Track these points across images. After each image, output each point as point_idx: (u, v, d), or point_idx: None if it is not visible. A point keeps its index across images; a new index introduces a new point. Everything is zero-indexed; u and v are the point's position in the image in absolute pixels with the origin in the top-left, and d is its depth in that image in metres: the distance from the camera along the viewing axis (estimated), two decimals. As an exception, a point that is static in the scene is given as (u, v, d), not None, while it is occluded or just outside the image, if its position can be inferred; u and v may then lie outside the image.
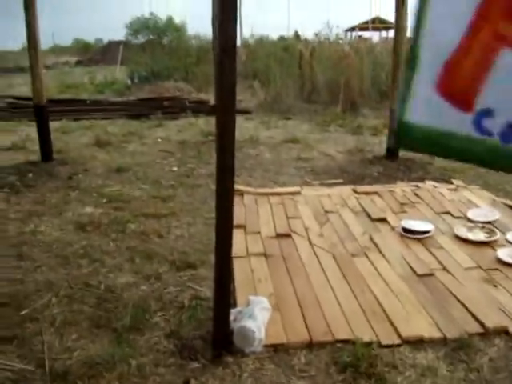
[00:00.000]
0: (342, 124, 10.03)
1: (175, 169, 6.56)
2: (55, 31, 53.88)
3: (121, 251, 4.12)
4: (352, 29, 60.32)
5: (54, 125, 10.11)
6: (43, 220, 4.86)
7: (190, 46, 16.42)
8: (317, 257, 3.92)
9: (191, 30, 21.97)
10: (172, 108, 11.20)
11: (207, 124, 9.97)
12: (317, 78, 12.93)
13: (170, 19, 23.74)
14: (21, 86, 16.38)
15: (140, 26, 25.09)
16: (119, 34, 53.05)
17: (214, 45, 7.89)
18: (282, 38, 34.29)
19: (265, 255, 3.96)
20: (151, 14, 25.17)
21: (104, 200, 5.39)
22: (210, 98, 13.37)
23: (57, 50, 42.71)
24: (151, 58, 16.99)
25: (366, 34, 54.88)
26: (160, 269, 3.79)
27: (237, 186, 5.55)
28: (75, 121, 10.90)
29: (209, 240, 4.14)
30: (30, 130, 8.08)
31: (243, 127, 9.13)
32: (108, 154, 7.57)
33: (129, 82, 17.25)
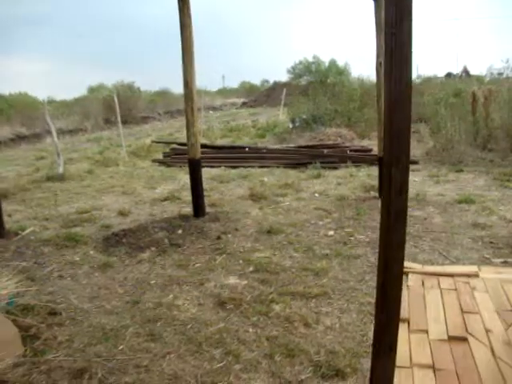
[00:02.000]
0: (525, 180, 8.69)
1: (331, 233, 5.89)
2: (225, 73, 56.67)
3: (260, 341, 3.53)
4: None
5: (212, 172, 10.16)
6: (183, 290, 4.47)
7: (352, 89, 15.81)
8: (503, 377, 2.97)
9: (354, 73, 21.43)
10: (332, 157, 10.61)
11: (369, 176, 9.22)
12: (494, 122, 11.57)
13: (332, 62, 23.44)
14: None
15: (303, 69, 25.09)
16: (285, 74, 54.46)
17: (378, 91, 7.18)
18: (448, 75, 32.55)
19: (433, 368, 3.09)
20: (314, 57, 25.09)
21: (250, 268, 4.88)
22: (373, 145, 12.66)
23: (225, 91, 44.77)
24: (313, 101, 16.68)
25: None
26: (302, 373, 3.13)
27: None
28: (233, 168, 10.78)
29: (364, 336, 3.48)
30: (188, 179, 7.96)
31: (409, 180, 8.25)
32: (261, 209, 7.14)
33: (290, 125, 17.09)
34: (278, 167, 10.62)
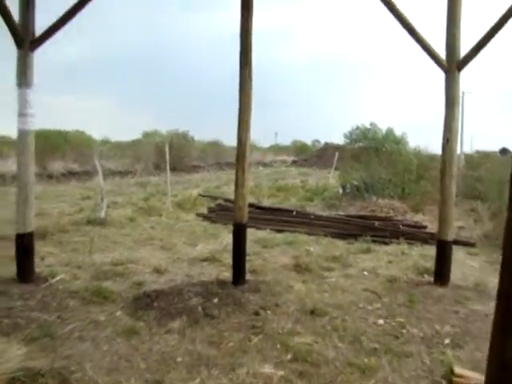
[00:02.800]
0: None
1: (381, 322, 5.31)
2: (278, 129, 57.05)
3: None
4: None
5: (257, 234, 9.74)
6: (212, 375, 4.00)
7: (409, 160, 15.28)
8: None
9: (411, 142, 20.88)
10: (384, 231, 10.04)
11: (423, 257, 8.59)
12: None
13: (390, 130, 22.99)
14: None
15: (360, 135, 24.75)
16: (336, 136, 54.46)
17: (443, 168, 6.67)
18: (504, 151, 31.37)
19: None
20: (371, 123, 24.73)
21: (289, 356, 4.36)
22: (427, 221, 12.03)
23: (276, 148, 44.92)
24: (366, 168, 16.24)
25: None
26: None
27: (459, 370, 4.16)
28: (279, 232, 10.35)
29: None
30: (231, 238, 7.57)
31: (465, 266, 7.65)
32: (305, 283, 6.62)
33: (340, 191, 16.64)
34: (325, 236, 10.12)
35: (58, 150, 27.76)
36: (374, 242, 9.65)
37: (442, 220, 6.67)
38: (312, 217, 11.08)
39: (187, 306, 5.37)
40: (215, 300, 5.61)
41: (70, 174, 27.26)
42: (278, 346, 4.55)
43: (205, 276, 6.69)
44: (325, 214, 11.60)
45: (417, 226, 10.75)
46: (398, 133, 23.04)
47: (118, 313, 5.30)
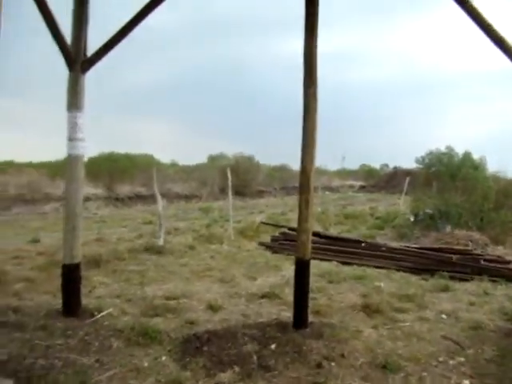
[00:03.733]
0: None
1: (466, 383, 4.49)
2: (345, 153, 55.90)
3: None
4: None
5: (322, 266, 9.06)
6: None
7: (488, 186, 14.18)
8: None
9: (490, 167, 19.46)
10: (462, 266, 9.10)
11: (510, 299, 7.64)
12: None
13: (467, 154, 21.53)
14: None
15: (433, 160, 23.37)
16: (406, 160, 52.78)
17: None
18: None
19: None
20: (447, 147, 23.27)
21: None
22: (510, 254, 10.96)
23: (344, 173, 43.91)
24: (440, 195, 15.23)
25: None
26: None
27: None
28: (346, 264, 9.61)
29: None
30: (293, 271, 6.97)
31: None
32: (375, 328, 5.87)
33: (412, 218, 15.66)
34: (397, 270, 9.29)
35: (126, 174, 28.11)
36: (451, 278, 8.74)
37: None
38: (383, 249, 10.25)
39: (240, 354, 4.76)
40: (273, 346, 4.96)
41: (137, 198, 27.50)
42: (344, 411, 3.86)
43: (263, 316, 6.07)
44: (396, 245, 10.73)
45: (500, 260, 9.72)
46: (476, 156, 21.66)
47: (164, 358, 4.76)
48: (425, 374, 4.62)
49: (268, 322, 5.77)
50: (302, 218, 5.47)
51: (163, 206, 11.67)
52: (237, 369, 4.48)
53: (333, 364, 4.67)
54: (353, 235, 13.43)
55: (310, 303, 6.02)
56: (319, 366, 4.59)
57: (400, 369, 4.65)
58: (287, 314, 6.00)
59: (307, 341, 5.17)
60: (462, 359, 5.05)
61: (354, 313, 6.49)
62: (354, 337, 5.48)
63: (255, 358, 4.70)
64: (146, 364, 4.61)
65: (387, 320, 6.21)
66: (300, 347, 4.98)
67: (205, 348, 4.92)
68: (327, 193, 33.35)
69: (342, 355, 4.90)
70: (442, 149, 23.61)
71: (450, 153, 22.57)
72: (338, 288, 7.82)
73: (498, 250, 11.51)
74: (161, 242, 10.21)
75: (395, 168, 44.07)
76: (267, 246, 11.06)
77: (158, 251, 9.84)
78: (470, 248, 10.50)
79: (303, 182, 5.43)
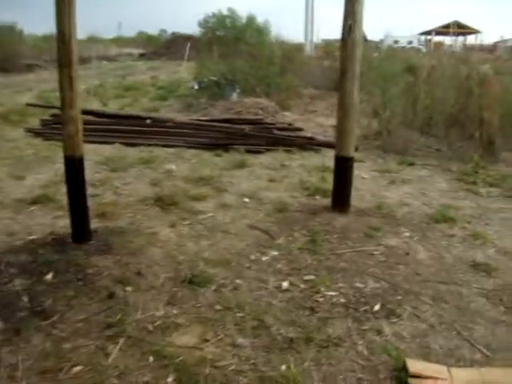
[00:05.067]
0: (491, 182, 7.16)
1: (285, 285, 3.89)
2: (122, 21, 52.18)
3: None
4: (428, 33, 56.80)
5: (103, 151, 7.86)
6: None
7: (273, 51, 13.71)
8: None
9: (274, 31, 18.94)
10: (256, 138, 8.57)
11: (307, 169, 7.34)
12: (435, 103, 9.99)
13: (251, 18, 20.67)
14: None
15: (216, 24, 22.10)
16: (185, 25, 51.10)
17: (343, 64, 5.19)
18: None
19: None
20: (229, 9, 22.06)
21: (169, 379, 2.81)
22: (298, 120, 10.80)
23: (121, 40, 40.96)
24: (224, 60, 14.47)
25: (435, 39, 51.41)
26: None
27: (413, 366, 2.91)
28: (131, 146, 8.48)
29: None
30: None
31: (356, 178, 6.29)
32: (173, 226, 5.01)
33: (195, 86, 14.80)
34: (188, 148, 8.45)
35: None
36: (247, 151, 8.19)
37: (342, 133, 5.29)
38: (170, 124, 9.25)
39: (4, 299, 3.54)
40: (49, 277, 3.83)
41: None
42: (151, 359, 2.96)
43: (34, 232, 4.78)
44: (185, 119, 9.81)
45: (291, 128, 9.42)
46: (259, 20, 20.94)
47: None
48: (239, 281, 3.92)
49: (41, 238, 4.56)
50: (66, 102, 4.13)
51: None
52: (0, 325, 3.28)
53: (128, 289, 3.71)
54: (135, 110, 12.19)
55: (92, 203, 4.97)
56: (111, 295, 3.60)
57: (210, 281, 3.87)
58: (65, 223, 4.80)
59: (92, 259, 4.14)
60: (275, 253, 4.46)
61: (146, 208, 5.54)
62: (150, 242, 4.57)
63: (26, 299, 3.53)
64: None
65: (185, 213, 5.39)
66: (84, 271, 3.93)
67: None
68: (104, 62, 30.73)
69: (139, 273, 3.97)
70: (225, 12, 22.50)
71: (232, 16, 21.56)
72: (124, 177, 6.74)
73: (287, 117, 11.31)
74: None
75: (174, 33, 42.29)
76: (36, 133, 9.32)
77: None
78: (260, 117, 10.03)
79: (62, 52, 4.00)
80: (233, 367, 2.90)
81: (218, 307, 3.51)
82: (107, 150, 8.15)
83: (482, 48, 36.22)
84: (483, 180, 7.20)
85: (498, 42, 47.03)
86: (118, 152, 8.09)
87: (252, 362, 2.96)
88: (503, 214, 5.87)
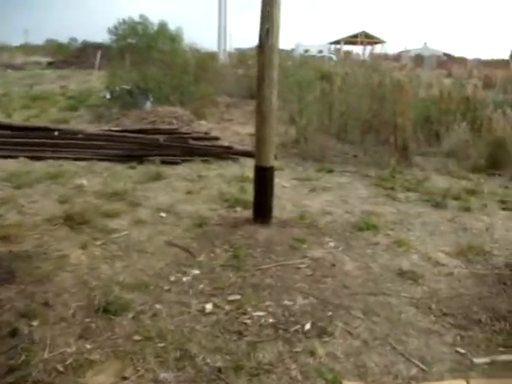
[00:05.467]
0: (408, 186, 7.24)
1: (209, 307, 3.62)
2: (29, 28, 50.04)
3: None
4: (337, 42, 58.49)
5: (7, 166, 7.29)
6: None
7: (186, 59, 13.39)
8: None
9: (187, 38, 18.49)
10: (171, 148, 8.25)
11: (225, 180, 7.11)
12: (350, 109, 10.08)
13: (163, 25, 20.10)
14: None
15: (127, 31, 21.34)
16: (96, 33, 49.77)
17: (261, 71, 5.05)
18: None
19: None
20: (141, 16, 21.34)
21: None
22: (214, 129, 10.58)
23: (28, 48, 39.15)
24: (137, 69, 14.00)
25: (344, 48, 53.19)
26: None
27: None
28: (38, 160, 7.92)
29: None
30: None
31: (276, 187, 6.11)
32: (85, 247, 4.60)
33: (107, 95, 14.22)
34: (100, 160, 7.99)
35: None
36: (162, 163, 7.85)
37: (261, 141, 5.11)
38: (80, 136, 8.74)
39: None
40: None
41: None
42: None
43: None
44: (96, 130, 9.33)
45: (208, 137, 9.19)
46: (172, 27, 20.41)
47: None
48: (158, 306, 3.61)
49: None
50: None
51: None
52: None
53: (34, 324, 3.31)
54: (43, 121, 11.48)
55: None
56: (14, 333, 3.18)
57: (126, 308, 3.53)
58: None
59: (-9, 292, 3.67)
60: (197, 272, 4.19)
61: (54, 229, 5.08)
62: (59, 267, 4.16)
63: None
64: None
65: (98, 232, 4.99)
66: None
67: None
68: (9, 71, 29.18)
69: (46, 304, 3.57)
70: (136, 18, 21.78)
71: (144, 23, 20.91)
72: (29, 195, 6.21)
73: (203, 126, 11.05)
74: None
75: (84, 42, 40.93)
76: None
77: None
78: (175, 126, 9.72)
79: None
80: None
81: (136, 337, 3.19)
82: (11, 165, 7.56)
83: (387, 57, 37.85)
84: (401, 185, 7.27)
85: (402, 51, 49.78)
86: (23, 167, 7.50)
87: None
88: (422, 218, 5.90)
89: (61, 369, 2.86)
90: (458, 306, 3.82)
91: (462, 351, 3.23)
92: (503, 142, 8.49)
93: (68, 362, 2.92)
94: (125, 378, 2.80)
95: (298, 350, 3.13)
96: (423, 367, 3.02)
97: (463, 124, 9.22)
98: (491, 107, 9.69)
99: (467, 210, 6.25)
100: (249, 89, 13.35)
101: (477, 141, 8.99)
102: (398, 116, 9.16)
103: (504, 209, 6.41)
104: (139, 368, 2.89)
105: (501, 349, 3.28)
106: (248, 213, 5.54)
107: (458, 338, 3.40)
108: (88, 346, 3.08)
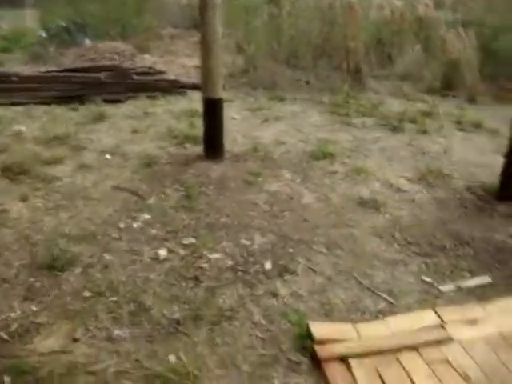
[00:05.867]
0: (363, 111, 7.06)
1: (163, 253, 3.39)
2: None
3: None
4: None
5: None
6: None
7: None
8: None
9: None
10: (114, 85, 7.77)
11: (173, 115, 6.76)
12: (299, 33, 9.68)
13: None
14: None
15: None
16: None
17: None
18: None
19: None
20: None
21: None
22: (159, 62, 10.07)
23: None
24: (72, 5, 13.11)
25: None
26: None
27: (317, 331, 2.61)
28: (-31, 107, 7.35)
29: None
30: None
31: (226, 120, 5.80)
32: (25, 199, 4.26)
33: (43, 34, 13.33)
34: (38, 104, 7.46)
35: None
36: (104, 102, 7.38)
37: (208, 72, 4.77)
38: (15, 79, 8.13)
39: None
40: None
41: None
42: (8, 380, 2.37)
43: None
44: (32, 71, 8.72)
45: (152, 72, 8.69)
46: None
47: None
48: (108, 256, 3.36)
49: None
50: None
51: None
52: None
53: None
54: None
55: None
56: None
57: (73, 262, 3.26)
58: None
59: None
60: (147, 216, 3.93)
61: (-9, 181, 4.71)
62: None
63: None
64: None
65: (39, 182, 4.62)
66: None
67: None
68: None
69: (-13, 263, 3.27)
70: None
71: None
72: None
73: (147, 60, 10.47)
74: None
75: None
76: None
77: None
78: (117, 62, 9.17)
79: None
80: (112, 369, 2.40)
81: (86, 294, 2.95)
82: None
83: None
84: (356, 110, 7.09)
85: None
86: (-47, 115, 6.95)
87: (134, 357, 2.47)
88: (380, 143, 5.77)
89: (5, 336, 2.61)
90: (421, 234, 3.72)
91: (428, 280, 3.13)
92: (457, 62, 8.34)
93: (13, 329, 2.67)
94: (76, 340, 2.58)
95: (259, 292, 2.97)
96: (391, 300, 2.92)
97: (417, 45, 9.00)
98: (444, 27, 9.46)
99: (424, 132, 6.14)
100: (193, 18, 12.69)
101: (430, 62, 8.81)
102: (350, 39, 8.86)
103: (460, 130, 6.33)
104: (91, 327, 2.68)
105: (465, 274, 3.20)
106: (199, 149, 5.26)
107: (424, 266, 3.31)
108: (34, 308, 2.83)
